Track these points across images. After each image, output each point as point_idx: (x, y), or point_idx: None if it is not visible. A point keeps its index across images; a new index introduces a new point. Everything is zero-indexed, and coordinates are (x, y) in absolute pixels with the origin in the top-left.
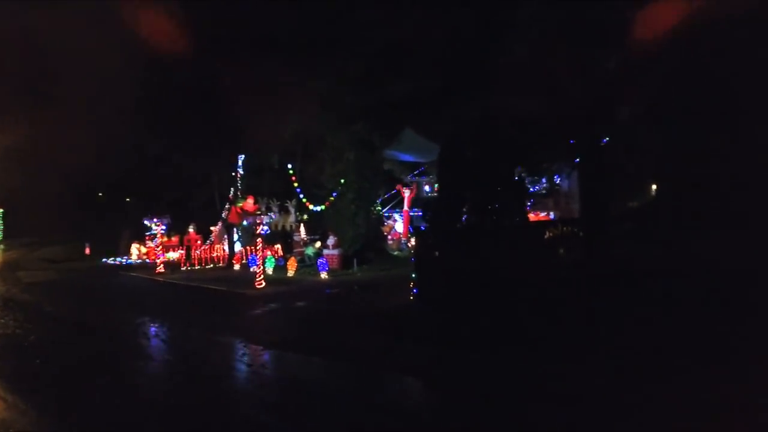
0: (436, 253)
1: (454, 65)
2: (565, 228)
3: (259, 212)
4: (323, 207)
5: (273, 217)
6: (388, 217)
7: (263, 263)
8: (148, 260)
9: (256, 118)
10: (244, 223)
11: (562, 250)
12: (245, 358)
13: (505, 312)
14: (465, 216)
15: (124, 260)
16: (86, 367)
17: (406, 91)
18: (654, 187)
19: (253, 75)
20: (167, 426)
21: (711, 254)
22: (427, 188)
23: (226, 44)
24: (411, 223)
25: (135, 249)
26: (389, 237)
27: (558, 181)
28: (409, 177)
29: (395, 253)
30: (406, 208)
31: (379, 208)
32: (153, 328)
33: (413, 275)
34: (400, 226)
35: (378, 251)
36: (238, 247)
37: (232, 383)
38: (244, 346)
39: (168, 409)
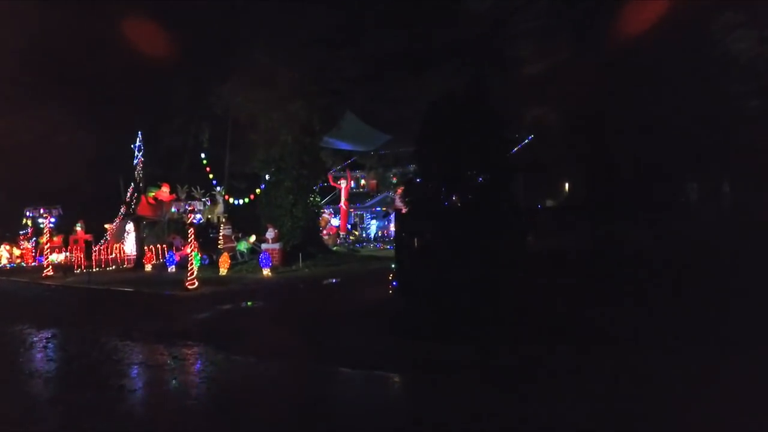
0: (420, 240)
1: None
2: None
3: (187, 202)
4: (246, 200)
5: (208, 203)
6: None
7: (193, 260)
8: (24, 264)
9: (174, 93)
10: (172, 212)
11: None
12: (252, 375)
13: (504, 304)
14: (451, 196)
15: None
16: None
17: (356, 65)
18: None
19: (171, 39)
20: None
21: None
22: (352, 184)
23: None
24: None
25: (4, 251)
26: (325, 231)
27: None
28: (332, 171)
29: (335, 248)
30: (343, 202)
31: (318, 198)
32: (82, 341)
33: (393, 265)
34: (336, 220)
35: (317, 246)
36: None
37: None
38: (226, 359)
39: None
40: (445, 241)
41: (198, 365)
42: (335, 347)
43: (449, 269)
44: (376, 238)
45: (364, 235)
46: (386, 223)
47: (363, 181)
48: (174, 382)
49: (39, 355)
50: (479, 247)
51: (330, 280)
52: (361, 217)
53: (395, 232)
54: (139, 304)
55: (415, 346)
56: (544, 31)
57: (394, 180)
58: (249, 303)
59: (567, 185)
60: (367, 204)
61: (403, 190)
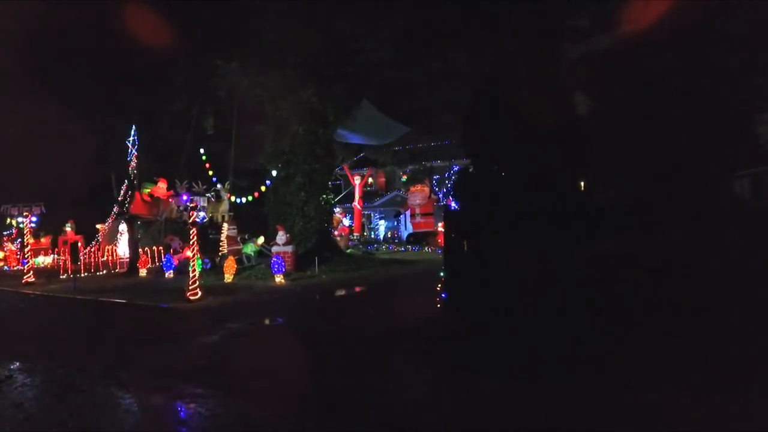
0: (476, 244)
1: None
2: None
3: (191, 198)
4: (250, 198)
5: (213, 199)
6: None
7: (195, 265)
8: (7, 268)
9: (174, 75)
10: (172, 208)
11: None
12: None
13: (588, 324)
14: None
15: None
16: None
17: (374, 46)
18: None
19: (169, 13)
20: None
21: None
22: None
23: None
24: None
25: None
26: (336, 232)
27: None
28: (348, 163)
29: (348, 250)
30: (357, 200)
31: (332, 196)
32: (50, 386)
33: (442, 274)
34: (347, 220)
35: (331, 249)
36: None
37: None
38: (263, 425)
39: None
40: (508, 243)
41: None
42: (399, 403)
43: (514, 278)
44: (385, 239)
45: (372, 236)
46: (395, 223)
47: (370, 179)
48: None
49: None
50: (551, 251)
51: (354, 290)
52: (368, 217)
53: (445, 236)
54: (132, 321)
55: (488, 390)
56: None
57: (404, 178)
58: (266, 320)
59: (582, 184)
60: (375, 203)
61: (455, 183)
